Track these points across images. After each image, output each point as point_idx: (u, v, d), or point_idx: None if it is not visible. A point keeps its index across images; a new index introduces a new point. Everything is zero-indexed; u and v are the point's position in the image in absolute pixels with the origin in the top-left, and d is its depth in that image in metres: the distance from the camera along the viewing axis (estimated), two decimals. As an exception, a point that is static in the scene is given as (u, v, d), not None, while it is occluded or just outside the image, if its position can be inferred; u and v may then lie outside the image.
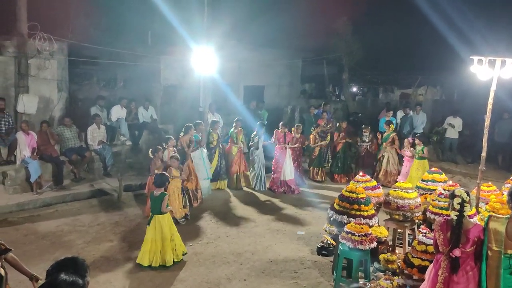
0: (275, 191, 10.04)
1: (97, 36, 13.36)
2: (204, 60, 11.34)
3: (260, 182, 10.20)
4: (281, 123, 10.46)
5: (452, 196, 4.15)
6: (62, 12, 12.11)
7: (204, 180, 9.23)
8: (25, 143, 8.92)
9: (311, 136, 11.21)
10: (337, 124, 11.94)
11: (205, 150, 9.56)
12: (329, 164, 11.78)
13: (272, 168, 10.27)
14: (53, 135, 9.52)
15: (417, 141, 9.85)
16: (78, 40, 11.47)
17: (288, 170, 10.12)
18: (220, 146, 10.20)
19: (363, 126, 11.71)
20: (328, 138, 11.47)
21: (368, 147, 11.28)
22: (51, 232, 7.09)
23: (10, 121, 9.31)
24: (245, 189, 10.22)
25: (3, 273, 3.55)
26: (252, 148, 10.40)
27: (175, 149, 8.48)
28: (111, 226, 7.49)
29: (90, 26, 13.54)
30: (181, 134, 9.05)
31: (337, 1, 16.45)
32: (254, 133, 10.39)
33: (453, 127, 12.84)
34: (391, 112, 12.78)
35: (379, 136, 11.09)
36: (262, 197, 9.70)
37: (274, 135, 10.41)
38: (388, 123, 11.02)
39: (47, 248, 6.43)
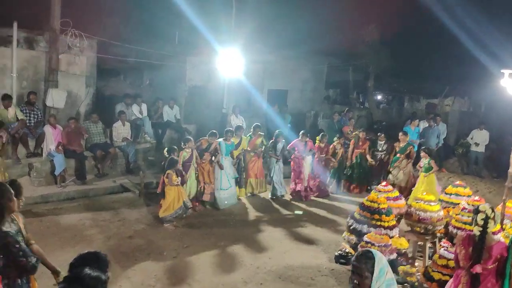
0: (294, 198, 9.84)
1: (125, 35, 13.61)
2: (229, 62, 11.41)
3: (279, 189, 9.79)
4: (301, 132, 9.97)
5: (476, 211, 4.07)
6: (94, 10, 12.40)
7: (220, 191, 8.80)
8: (52, 137, 9.14)
9: (331, 146, 10.61)
10: (355, 132, 11.41)
11: (228, 158, 9.07)
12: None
13: (292, 178, 9.95)
14: (82, 129, 9.67)
15: (422, 153, 9.13)
16: (107, 38, 11.72)
17: (307, 177, 9.86)
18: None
19: (378, 134, 11.20)
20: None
21: (383, 156, 10.72)
22: (73, 225, 7.25)
23: (39, 115, 9.57)
24: (262, 195, 9.88)
25: None
26: (270, 155, 9.94)
27: (192, 150, 8.46)
28: (131, 223, 7.60)
29: (119, 24, 13.81)
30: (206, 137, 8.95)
31: (365, 8, 16.32)
32: (271, 141, 10.01)
33: (477, 145, 12.49)
34: (417, 120, 12.48)
35: (397, 146, 10.33)
36: (280, 204, 9.47)
37: (292, 145, 9.92)
38: (404, 133, 10.36)
39: (69, 241, 6.56)
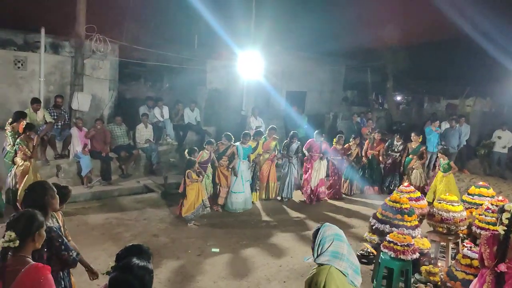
0: (307, 201, 9.75)
1: (146, 39, 13.90)
2: (249, 65, 11.53)
3: (287, 190, 9.73)
4: (315, 132, 9.94)
5: (501, 210, 4.10)
6: (116, 15, 12.70)
7: (232, 193, 8.79)
8: (78, 139, 9.43)
9: (346, 146, 10.51)
10: (373, 134, 11.30)
11: (245, 162, 9.04)
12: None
13: (304, 179, 9.87)
14: (106, 133, 9.92)
15: (439, 155, 9.24)
16: (129, 42, 12.00)
17: (315, 178, 9.74)
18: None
19: (395, 135, 11.11)
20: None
21: (397, 156, 10.57)
22: (100, 224, 7.47)
23: (66, 117, 9.87)
24: (277, 199, 9.81)
25: None
26: (282, 155, 9.86)
27: (211, 152, 8.57)
28: (155, 222, 7.80)
29: (140, 29, 14.10)
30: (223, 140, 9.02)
31: (383, 9, 16.27)
32: (286, 141, 9.94)
33: (504, 148, 12.31)
34: (438, 121, 12.37)
35: (410, 147, 10.32)
36: (296, 206, 9.46)
37: (307, 145, 9.87)
38: (417, 134, 10.30)
39: (97, 239, 6.78)
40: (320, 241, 2.82)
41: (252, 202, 9.32)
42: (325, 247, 2.79)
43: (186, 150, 8.42)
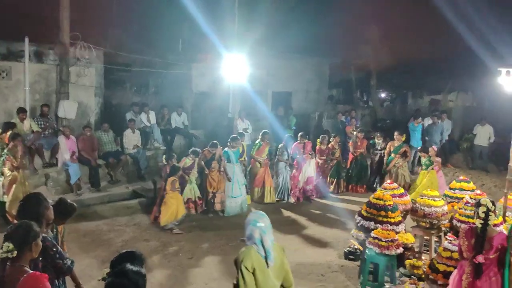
0: (296, 201, 9.90)
1: (130, 44, 13.94)
2: (234, 68, 11.66)
3: (284, 194, 9.87)
4: (299, 135, 10.10)
5: (478, 205, 4.31)
6: (100, 22, 12.71)
7: (231, 198, 8.90)
8: (66, 147, 9.45)
9: (329, 145, 10.67)
10: (354, 132, 11.46)
11: (238, 165, 9.19)
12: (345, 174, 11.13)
13: (292, 179, 10.02)
14: (94, 140, 9.96)
15: (422, 154, 9.54)
16: (113, 48, 12.05)
17: (303, 177, 9.88)
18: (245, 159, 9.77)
19: (375, 133, 11.39)
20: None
21: (382, 154, 10.74)
22: (91, 231, 7.55)
23: (54, 126, 9.90)
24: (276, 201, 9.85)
25: None
26: (277, 160, 10.01)
27: (196, 158, 8.64)
28: (146, 227, 7.89)
29: (123, 34, 14.13)
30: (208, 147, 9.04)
31: (365, 8, 16.53)
32: (281, 145, 10.06)
33: (488, 139, 12.57)
34: (420, 118, 12.62)
35: (391, 146, 10.36)
36: (286, 206, 9.61)
37: (293, 147, 10.01)
38: (400, 133, 10.37)
39: (88, 246, 6.86)
40: (244, 225, 3.32)
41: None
42: (245, 230, 3.30)
43: (164, 156, 8.46)
